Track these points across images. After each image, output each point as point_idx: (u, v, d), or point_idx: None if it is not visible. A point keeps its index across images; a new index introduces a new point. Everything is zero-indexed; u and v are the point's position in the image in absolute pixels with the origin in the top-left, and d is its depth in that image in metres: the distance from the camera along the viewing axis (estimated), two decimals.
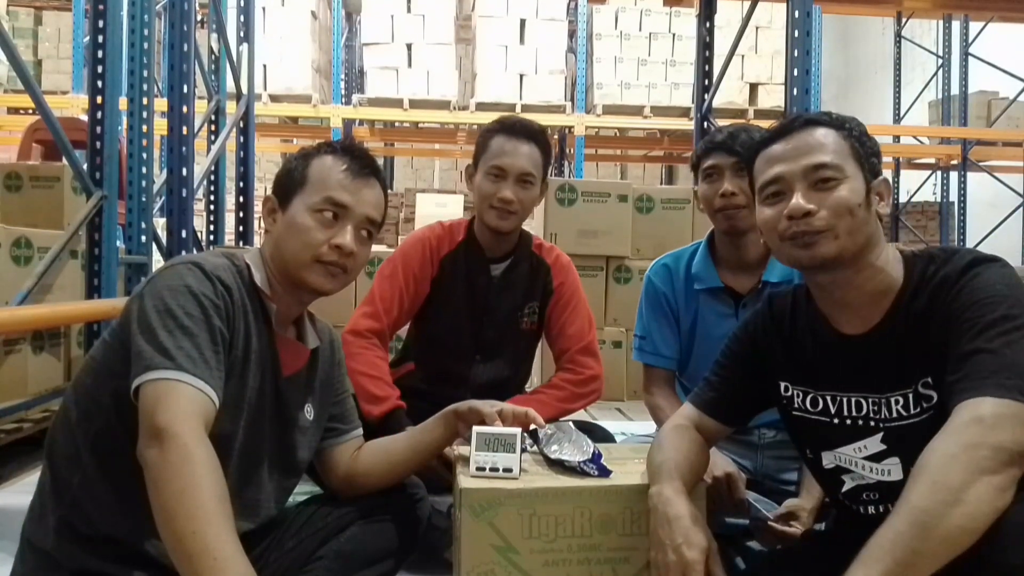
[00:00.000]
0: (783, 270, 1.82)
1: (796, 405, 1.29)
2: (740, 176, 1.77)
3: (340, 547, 1.37)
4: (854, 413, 1.22)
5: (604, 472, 1.32)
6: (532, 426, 1.45)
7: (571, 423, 1.50)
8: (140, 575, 1.15)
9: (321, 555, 1.36)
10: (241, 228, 4.96)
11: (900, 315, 1.17)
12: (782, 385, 1.31)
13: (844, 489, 1.25)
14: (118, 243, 3.23)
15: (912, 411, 1.16)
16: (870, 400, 1.20)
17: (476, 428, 1.36)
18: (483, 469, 1.30)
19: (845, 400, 1.23)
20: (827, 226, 1.16)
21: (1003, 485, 0.92)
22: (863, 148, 1.21)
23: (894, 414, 1.18)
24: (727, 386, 1.39)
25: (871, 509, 1.23)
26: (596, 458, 1.33)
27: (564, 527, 1.26)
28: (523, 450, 1.38)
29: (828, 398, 1.25)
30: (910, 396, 1.16)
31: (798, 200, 1.17)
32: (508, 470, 1.29)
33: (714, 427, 1.38)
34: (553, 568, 1.26)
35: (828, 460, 1.27)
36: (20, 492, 2.24)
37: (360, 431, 1.50)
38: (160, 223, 4.18)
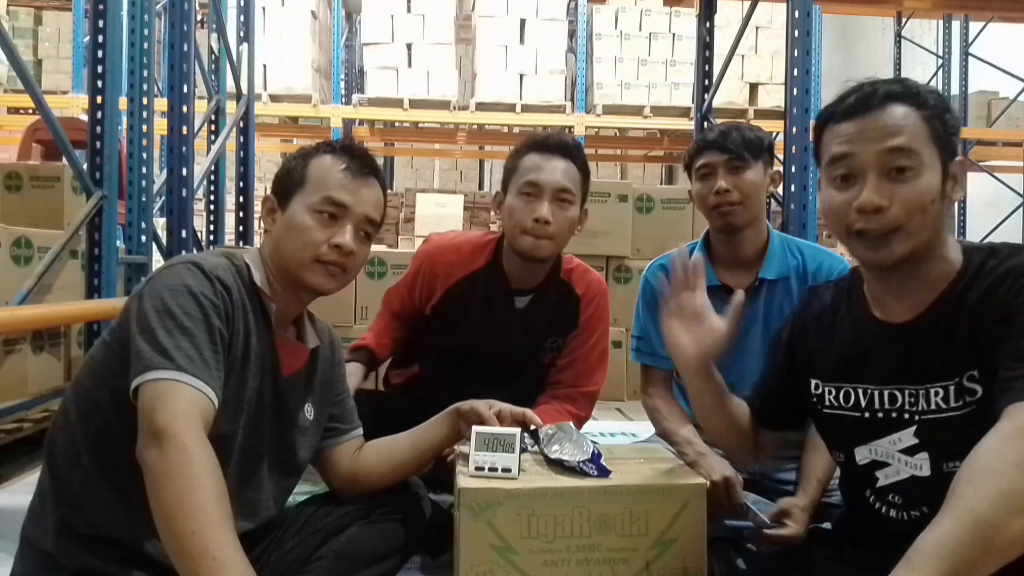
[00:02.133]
0: (779, 267, 1.82)
1: (827, 402, 1.26)
2: (734, 173, 1.77)
3: (340, 547, 1.37)
4: (887, 406, 1.19)
5: (604, 472, 1.32)
6: (532, 426, 1.45)
7: (572, 423, 1.50)
8: (140, 575, 1.15)
9: (321, 555, 1.36)
10: (241, 228, 4.96)
11: (950, 304, 1.13)
12: (812, 383, 1.28)
13: (877, 485, 1.22)
14: (118, 243, 3.23)
15: (952, 404, 1.12)
16: (907, 392, 1.17)
17: (476, 428, 1.36)
18: (482, 469, 1.30)
19: (877, 393, 1.19)
20: (898, 224, 1.08)
21: None
22: (944, 129, 1.11)
23: (932, 406, 1.14)
24: (765, 388, 1.38)
25: (892, 512, 1.21)
26: (596, 458, 1.33)
27: (563, 527, 1.26)
28: (523, 450, 1.38)
29: (860, 391, 1.22)
30: (951, 389, 1.12)
31: (869, 194, 1.09)
32: (507, 470, 1.29)
33: (761, 434, 1.39)
34: (552, 568, 1.26)
35: (862, 455, 1.23)
36: (20, 492, 2.24)
37: (360, 431, 1.50)
38: (160, 223, 4.18)
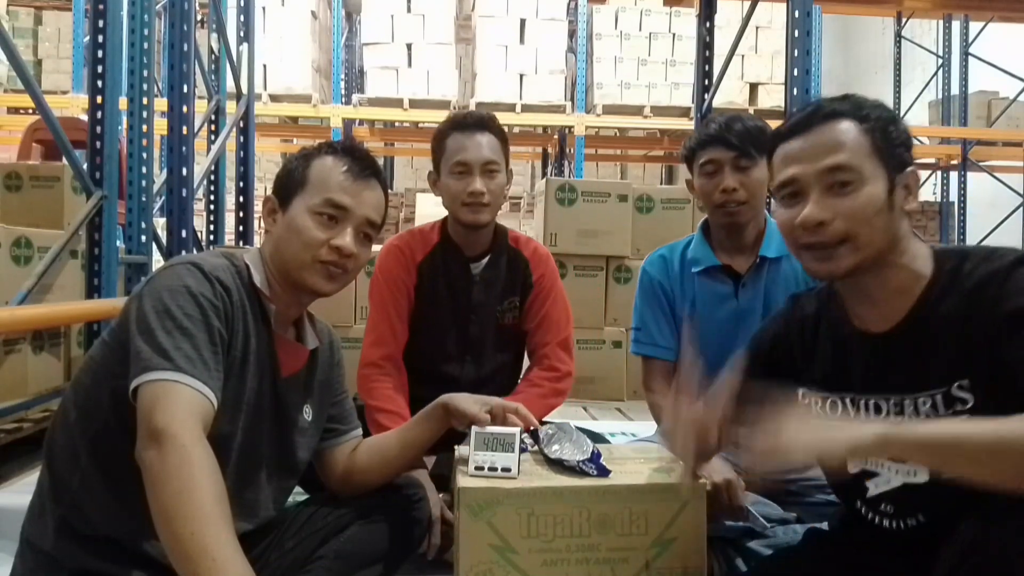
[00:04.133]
0: (780, 245, 1.82)
1: (815, 412, 1.25)
2: (740, 171, 1.76)
3: (340, 547, 1.37)
4: (872, 415, 1.19)
5: (603, 472, 1.32)
6: (531, 426, 1.45)
7: (571, 423, 1.51)
8: (140, 575, 1.15)
9: (321, 555, 1.36)
10: (241, 228, 4.96)
11: (926, 313, 1.13)
12: (799, 392, 1.28)
13: (868, 495, 1.22)
14: (118, 243, 3.23)
15: (942, 413, 1.12)
16: (891, 401, 1.17)
17: (475, 428, 1.36)
18: (482, 468, 1.30)
19: (863, 402, 1.20)
20: (844, 236, 1.11)
21: None
22: (886, 141, 1.13)
23: (921, 415, 1.13)
24: (741, 392, 1.38)
25: (885, 522, 1.20)
26: (595, 458, 1.33)
27: (563, 527, 1.26)
28: (523, 449, 1.38)
29: (847, 400, 1.22)
30: (939, 397, 1.12)
31: (811, 209, 1.11)
32: (507, 469, 1.29)
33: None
34: (551, 568, 1.26)
35: (852, 464, 1.22)
36: (20, 492, 2.24)
37: (359, 431, 1.50)
38: (160, 223, 4.17)
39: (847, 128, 1.13)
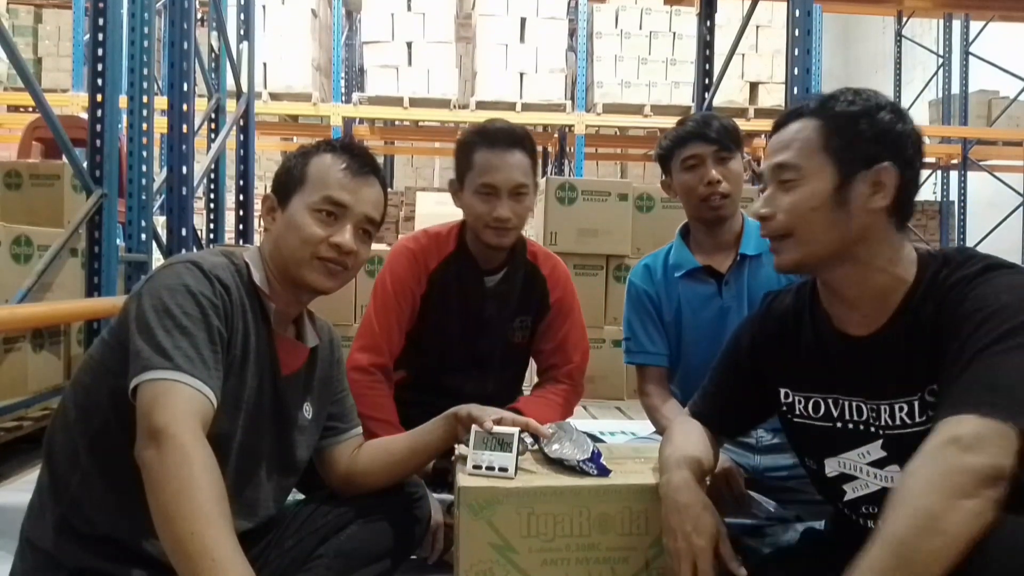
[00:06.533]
0: (758, 242, 1.84)
1: (797, 411, 1.26)
2: (722, 163, 1.80)
3: (340, 545, 1.37)
4: (854, 417, 1.19)
5: (603, 471, 1.32)
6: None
7: (571, 422, 1.50)
8: (139, 574, 1.15)
9: (321, 554, 1.36)
10: (241, 227, 4.97)
11: (907, 319, 1.12)
12: (782, 392, 1.28)
13: (845, 499, 1.22)
14: (118, 241, 3.23)
15: (917, 419, 1.12)
16: (868, 406, 1.17)
17: (475, 427, 1.36)
18: (479, 467, 1.30)
19: (846, 404, 1.19)
20: (784, 231, 1.15)
21: (980, 509, 0.89)
22: (842, 138, 1.11)
23: (897, 421, 1.14)
24: (723, 397, 1.36)
25: (870, 523, 1.20)
26: (596, 457, 1.33)
27: (563, 526, 1.26)
28: (525, 449, 1.38)
29: (830, 401, 1.22)
30: (915, 404, 1.12)
31: (757, 203, 1.19)
32: (503, 469, 1.29)
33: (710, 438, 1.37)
34: (551, 567, 1.26)
35: (832, 467, 1.23)
36: (20, 491, 2.24)
37: (360, 430, 1.50)
38: (160, 221, 4.18)
39: (800, 127, 1.16)
